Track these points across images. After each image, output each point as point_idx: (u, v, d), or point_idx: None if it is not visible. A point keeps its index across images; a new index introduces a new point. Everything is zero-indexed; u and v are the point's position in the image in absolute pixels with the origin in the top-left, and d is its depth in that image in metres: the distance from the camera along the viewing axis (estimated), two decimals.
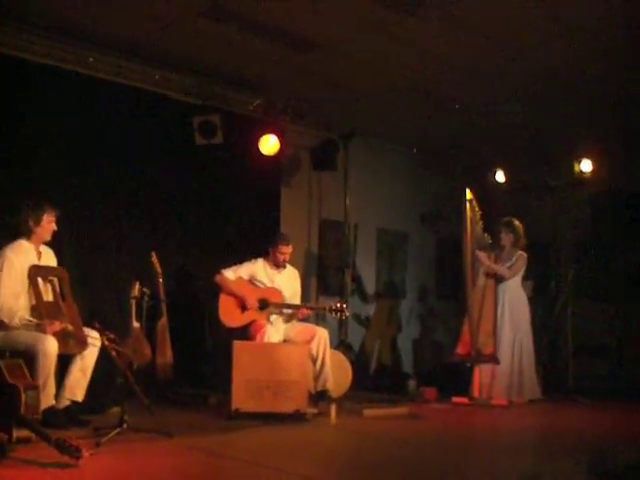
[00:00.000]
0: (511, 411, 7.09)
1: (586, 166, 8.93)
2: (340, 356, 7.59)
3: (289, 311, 7.01)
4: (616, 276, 9.42)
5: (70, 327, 5.25)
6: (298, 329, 6.91)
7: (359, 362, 8.94)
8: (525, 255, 7.70)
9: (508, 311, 7.58)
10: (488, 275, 7.69)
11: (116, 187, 7.32)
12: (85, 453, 3.86)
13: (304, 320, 7.15)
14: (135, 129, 7.33)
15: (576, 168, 8.97)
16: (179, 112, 7.75)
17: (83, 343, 5.29)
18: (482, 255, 7.67)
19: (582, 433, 5.89)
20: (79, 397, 5.35)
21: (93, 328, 5.25)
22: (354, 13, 6.31)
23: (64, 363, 5.29)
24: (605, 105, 8.31)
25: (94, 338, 5.30)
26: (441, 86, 8.01)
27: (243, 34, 6.77)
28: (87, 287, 6.72)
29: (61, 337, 5.16)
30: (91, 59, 7.02)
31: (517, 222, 7.80)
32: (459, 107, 8.48)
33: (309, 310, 7.26)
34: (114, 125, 7.19)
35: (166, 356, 6.85)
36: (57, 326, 5.18)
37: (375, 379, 9.38)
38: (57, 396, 5.20)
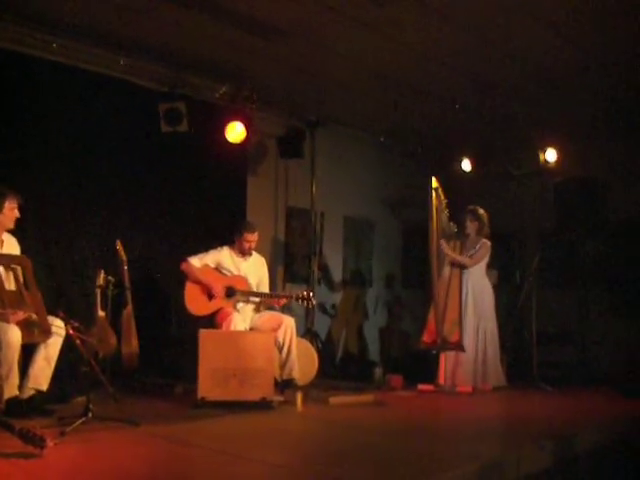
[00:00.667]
0: (475, 398, 7.16)
1: (551, 155, 9.03)
2: (306, 344, 7.62)
3: (256, 299, 7.00)
4: (580, 264, 9.52)
5: (34, 316, 5.17)
6: (265, 317, 6.90)
7: (325, 350, 8.96)
8: (489, 243, 7.75)
9: (471, 298, 7.63)
10: (454, 264, 7.73)
11: (81, 174, 7.22)
12: (49, 443, 3.84)
13: (271, 308, 7.14)
14: (100, 116, 7.21)
15: (541, 157, 9.06)
16: (145, 99, 7.66)
17: (47, 332, 5.22)
18: (444, 244, 7.71)
19: (546, 419, 5.96)
20: (43, 386, 5.29)
21: (57, 317, 5.20)
22: (325, 1, 6.29)
23: (28, 352, 5.22)
24: (571, 94, 8.38)
25: (58, 327, 5.23)
26: (408, 74, 8.01)
27: (210, 21, 6.70)
28: (51, 275, 6.64)
29: (25, 326, 5.09)
30: (54, 45, 6.92)
31: (482, 210, 7.85)
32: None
33: (281, 299, 7.23)
34: (78, 112, 7.08)
35: (132, 345, 6.79)
36: (20, 315, 5.10)
37: (341, 367, 9.42)
38: (21, 386, 5.14)
